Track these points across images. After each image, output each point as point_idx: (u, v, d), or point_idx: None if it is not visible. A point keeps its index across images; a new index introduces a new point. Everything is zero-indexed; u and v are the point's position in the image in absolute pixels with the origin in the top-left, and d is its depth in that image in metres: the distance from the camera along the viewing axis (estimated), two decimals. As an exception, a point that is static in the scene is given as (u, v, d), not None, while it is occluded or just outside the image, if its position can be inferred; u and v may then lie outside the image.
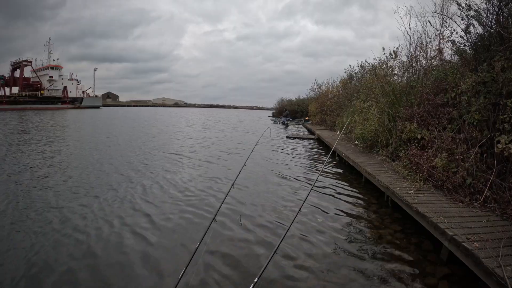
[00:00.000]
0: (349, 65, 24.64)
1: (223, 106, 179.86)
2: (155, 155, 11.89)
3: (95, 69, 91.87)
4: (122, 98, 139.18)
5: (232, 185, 4.47)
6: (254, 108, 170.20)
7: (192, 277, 3.44)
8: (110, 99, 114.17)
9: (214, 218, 3.63)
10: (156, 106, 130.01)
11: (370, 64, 14.75)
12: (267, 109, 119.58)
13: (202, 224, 5.12)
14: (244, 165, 5.23)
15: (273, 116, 52.91)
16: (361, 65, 17.22)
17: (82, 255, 4.02)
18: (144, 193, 6.82)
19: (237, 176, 4.75)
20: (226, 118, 49.76)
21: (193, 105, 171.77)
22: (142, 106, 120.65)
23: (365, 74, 16.25)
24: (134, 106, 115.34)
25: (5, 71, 63.84)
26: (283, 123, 32.94)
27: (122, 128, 24.79)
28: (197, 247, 3.14)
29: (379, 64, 12.15)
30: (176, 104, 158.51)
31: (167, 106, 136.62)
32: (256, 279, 2.65)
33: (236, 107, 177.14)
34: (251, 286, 2.61)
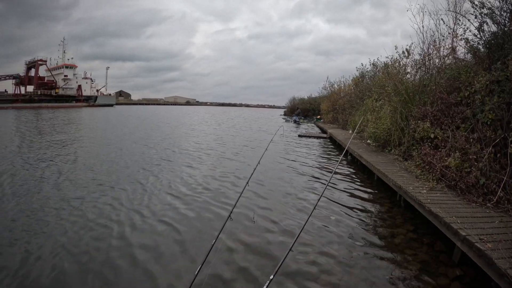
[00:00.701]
0: (361, 63, 24.55)
1: (234, 105, 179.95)
2: (173, 152, 12.30)
3: (107, 68, 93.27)
4: (134, 97, 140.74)
5: (247, 182, 4.54)
6: (266, 106, 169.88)
7: (208, 273, 3.49)
8: (122, 98, 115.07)
9: (229, 216, 3.70)
10: (168, 105, 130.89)
11: (383, 62, 14.62)
12: (279, 107, 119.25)
13: (218, 221, 5.24)
14: (259, 163, 5.32)
15: (284, 114, 52.79)
16: (373, 64, 17.10)
17: (98, 246, 4.19)
18: (159, 190, 6.97)
19: (252, 174, 4.82)
20: (239, 116, 49.97)
21: (205, 104, 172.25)
22: (154, 104, 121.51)
23: (377, 73, 16.12)
24: (146, 104, 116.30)
25: (19, 70, 65.40)
26: (295, 121, 32.84)
27: (140, 125, 25.53)
28: (213, 244, 3.20)
29: (391, 62, 12.04)
30: (188, 103, 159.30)
31: (179, 105, 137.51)
32: (271, 276, 2.68)
33: (247, 106, 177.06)
34: (267, 283, 2.65)
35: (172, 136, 18.49)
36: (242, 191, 4.39)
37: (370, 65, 17.66)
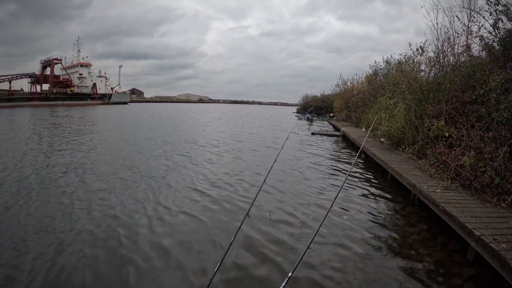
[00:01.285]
0: (375, 60, 24.20)
1: (247, 102, 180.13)
2: (192, 149, 12.65)
3: (120, 66, 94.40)
4: (147, 94, 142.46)
5: (264, 180, 4.64)
6: (279, 104, 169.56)
7: (228, 268, 3.58)
8: (135, 95, 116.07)
9: (247, 213, 3.80)
10: (181, 102, 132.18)
11: (396, 59, 14.48)
12: (291, 105, 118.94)
13: (236, 218, 5.35)
14: (275, 161, 5.42)
15: (297, 112, 52.65)
16: (386, 61, 16.93)
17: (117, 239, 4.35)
18: (176, 187, 7.13)
19: (268, 172, 4.93)
20: (252, 113, 50.18)
21: (217, 101, 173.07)
22: (167, 102, 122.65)
23: (390, 70, 15.98)
24: (158, 102, 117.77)
25: (34, 69, 66.78)
26: (308, 119, 32.74)
27: (157, 122, 26.18)
28: (232, 241, 3.29)
29: (405, 59, 11.93)
30: (201, 100, 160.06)
31: (192, 102, 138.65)
32: (290, 274, 2.73)
33: (260, 103, 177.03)
34: (286, 280, 2.69)
35: (189, 133, 18.93)
36: (260, 189, 4.48)
37: (384, 62, 17.50)
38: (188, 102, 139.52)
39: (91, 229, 4.80)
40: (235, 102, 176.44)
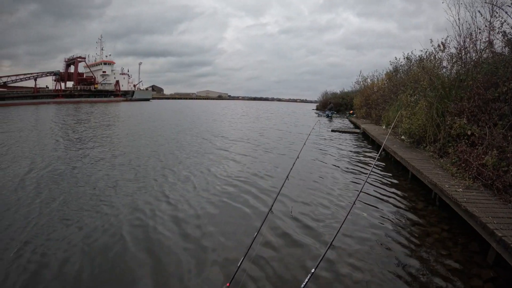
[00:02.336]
0: (395, 57, 23.70)
1: (266, 99, 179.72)
2: (216, 145, 13.13)
3: (140, 63, 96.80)
4: (167, 91, 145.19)
5: (287, 177, 4.74)
6: (298, 101, 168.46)
7: (250, 264, 3.68)
8: (154, 92, 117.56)
9: (270, 209, 3.88)
10: (200, 99, 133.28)
11: (417, 56, 14.18)
12: (311, 102, 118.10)
13: (259, 214, 5.49)
14: (298, 157, 5.50)
15: (317, 109, 52.28)
16: (407, 57, 16.56)
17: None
18: (199, 183, 7.36)
19: (291, 169, 5.04)
20: (273, 111, 50.15)
21: (237, 98, 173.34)
22: (186, 98, 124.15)
23: (411, 67, 15.66)
24: (178, 98, 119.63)
25: (55, 67, 69.45)
26: (327, 116, 32.48)
27: (182, 118, 27.50)
28: (255, 237, 3.40)
29: (426, 56, 11.70)
30: (220, 97, 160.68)
31: (211, 99, 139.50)
32: (313, 270, 2.80)
33: (279, 100, 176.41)
34: (309, 277, 2.77)
35: (214, 129, 19.50)
36: (283, 185, 4.59)
37: (404, 58, 17.09)
38: (207, 99, 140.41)
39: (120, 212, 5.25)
40: (254, 99, 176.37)
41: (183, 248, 4.26)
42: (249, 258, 3.61)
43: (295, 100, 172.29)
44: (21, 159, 9.17)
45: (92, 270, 3.69)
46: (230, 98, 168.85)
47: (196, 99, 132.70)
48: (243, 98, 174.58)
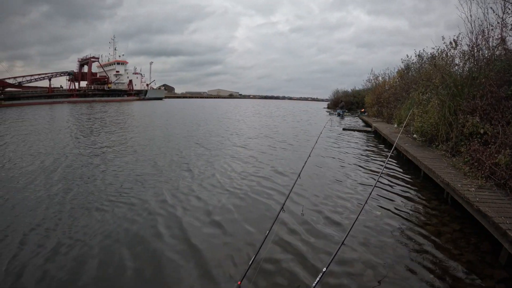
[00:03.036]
0: (406, 55, 23.31)
1: (277, 97, 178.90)
2: (230, 142, 13.58)
3: (151, 63, 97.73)
4: (178, 90, 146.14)
5: (299, 175, 4.78)
6: (309, 99, 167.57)
7: (261, 262, 3.68)
8: (166, 91, 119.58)
9: (282, 208, 3.92)
10: (211, 98, 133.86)
11: (429, 53, 14.00)
12: (322, 100, 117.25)
13: (271, 212, 5.58)
14: (309, 156, 5.54)
15: (328, 107, 51.93)
16: (418, 55, 16.36)
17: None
18: (214, 180, 7.60)
19: (303, 167, 5.10)
20: (285, 109, 50.16)
21: (248, 96, 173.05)
22: (197, 97, 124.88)
23: (423, 64, 15.46)
24: (189, 97, 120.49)
25: (67, 67, 71.16)
26: (339, 114, 32.23)
27: (196, 116, 28.59)
28: (266, 235, 3.44)
29: (438, 53, 11.53)
30: (231, 96, 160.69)
31: (222, 98, 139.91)
32: (324, 269, 2.84)
33: (290, 98, 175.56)
34: (320, 275, 2.79)
35: (228, 127, 20.06)
36: (294, 184, 4.63)
37: (416, 56, 16.90)
38: (218, 97, 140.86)
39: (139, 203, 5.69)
40: (265, 97, 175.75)
41: (195, 247, 4.32)
42: (261, 257, 3.63)
43: (306, 99, 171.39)
44: (44, 156, 9.66)
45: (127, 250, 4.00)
46: (241, 96, 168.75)
47: (207, 98, 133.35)
48: (254, 97, 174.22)
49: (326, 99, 69.49)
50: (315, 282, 2.76)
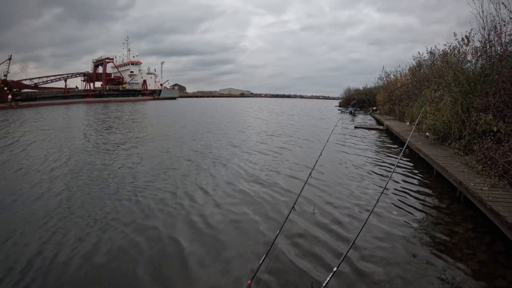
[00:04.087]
0: (418, 52, 22.73)
1: (289, 96, 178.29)
2: (243, 140, 13.96)
3: (162, 63, 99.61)
4: (189, 90, 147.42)
5: (310, 174, 4.83)
6: (321, 97, 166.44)
7: (272, 260, 3.71)
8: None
9: (293, 207, 3.95)
10: (223, 97, 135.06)
11: (441, 50, 13.75)
12: (333, 98, 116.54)
13: (282, 210, 5.63)
14: (320, 154, 5.59)
15: (339, 105, 51.56)
16: (430, 52, 16.09)
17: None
18: (227, 175, 7.92)
19: (314, 165, 5.19)
20: (297, 108, 50.06)
21: (259, 95, 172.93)
22: (209, 96, 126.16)
23: (435, 61, 15.20)
24: (201, 96, 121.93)
25: (80, 67, 73.44)
26: (350, 112, 31.95)
27: (212, 115, 29.36)
28: (277, 234, 3.48)
29: (450, 50, 11.34)
30: (242, 94, 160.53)
31: (233, 97, 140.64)
32: (335, 269, 2.83)
33: (302, 97, 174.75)
34: (330, 275, 2.78)
35: (241, 124, 20.81)
36: (306, 182, 4.69)
37: (427, 53, 16.59)
38: (230, 96, 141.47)
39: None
40: (277, 96, 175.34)
41: (205, 243, 4.43)
42: (271, 256, 3.65)
43: (317, 97, 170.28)
44: (65, 151, 10.32)
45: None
46: (252, 95, 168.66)
47: (219, 97, 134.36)
48: (266, 95, 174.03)
49: (338, 97, 69.12)
50: (326, 281, 2.76)
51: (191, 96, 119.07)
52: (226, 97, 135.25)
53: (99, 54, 74.17)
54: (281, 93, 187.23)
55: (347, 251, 3.03)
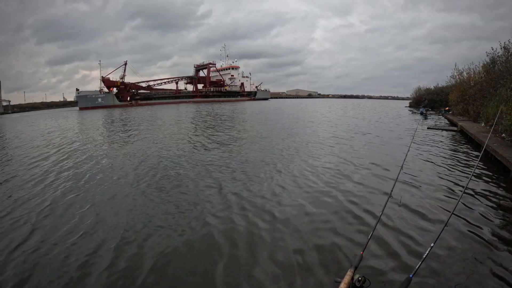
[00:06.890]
0: (491, 47, 20.92)
1: (357, 96, 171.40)
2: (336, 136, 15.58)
3: (249, 72, 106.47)
4: None
5: (401, 167, 5.24)
6: (389, 98, 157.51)
7: (368, 253, 3.95)
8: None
9: (390, 195, 4.33)
10: (290, 98, 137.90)
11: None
12: (402, 99, 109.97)
13: (377, 200, 6.20)
14: (408, 150, 6.28)
15: (410, 106, 48.99)
16: (504, 47, 15.03)
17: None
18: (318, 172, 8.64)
19: (404, 160, 5.67)
20: (368, 108, 49.11)
21: (327, 96, 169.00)
22: (276, 97, 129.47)
23: (509, 57, 14.22)
24: (286, 97, 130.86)
25: (154, 72, 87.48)
26: (422, 113, 30.33)
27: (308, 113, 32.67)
28: (376, 223, 3.68)
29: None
30: (310, 95, 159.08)
31: (301, 97, 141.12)
32: (418, 265, 2.93)
33: (370, 97, 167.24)
34: (412, 273, 2.84)
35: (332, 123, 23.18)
36: (398, 175, 5.01)
37: (501, 49, 15.34)
38: (297, 97, 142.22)
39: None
40: (344, 96, 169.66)
41: (308, 231, 4.90)
42: (369, 246, 3.72)
43: (386, 97, 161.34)
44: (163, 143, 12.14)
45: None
46: (320, 96, 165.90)
47: (286, 98, 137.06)
48: (333, 96, 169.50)
49: (408, 97, 65.41)
50: (411, 273, 2.86)
51: (275, 97, 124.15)
52: (293, 98, 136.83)
53: (174, 60, 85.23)
54: (348, 93, 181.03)
55: (427, 253, 3.05)
